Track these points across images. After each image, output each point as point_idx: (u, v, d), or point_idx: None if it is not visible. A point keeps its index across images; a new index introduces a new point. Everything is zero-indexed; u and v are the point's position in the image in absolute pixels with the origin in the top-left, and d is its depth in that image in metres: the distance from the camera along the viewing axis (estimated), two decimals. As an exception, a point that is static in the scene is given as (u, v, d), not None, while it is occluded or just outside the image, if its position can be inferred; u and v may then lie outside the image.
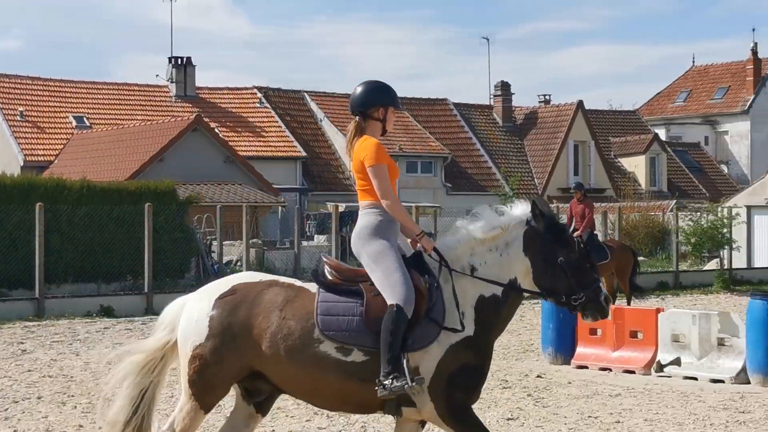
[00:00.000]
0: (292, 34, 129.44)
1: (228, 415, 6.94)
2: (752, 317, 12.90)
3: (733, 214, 31.87)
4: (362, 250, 6.59)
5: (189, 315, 6.54)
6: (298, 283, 6.70)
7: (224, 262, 26.55)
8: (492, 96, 55.25)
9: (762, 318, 12.67)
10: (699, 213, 33.12)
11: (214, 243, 26.70)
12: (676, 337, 13.89)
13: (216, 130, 40.87)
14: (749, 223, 34.95)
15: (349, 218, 32.19)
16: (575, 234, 19.53)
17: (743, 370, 13.04)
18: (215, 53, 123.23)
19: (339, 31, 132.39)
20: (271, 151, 44.12)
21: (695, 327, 13.61)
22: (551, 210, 6.76)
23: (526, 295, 6.75)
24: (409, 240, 6.83)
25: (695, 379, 13.27)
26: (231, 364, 6.38)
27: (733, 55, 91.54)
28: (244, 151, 41.40)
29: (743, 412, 11.03)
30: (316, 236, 33.31)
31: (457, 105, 53.03)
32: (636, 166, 51.40)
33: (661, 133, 57.37)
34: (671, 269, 30.73)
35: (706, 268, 32.64)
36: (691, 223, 31.25)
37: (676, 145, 56.98)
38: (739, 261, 33.22)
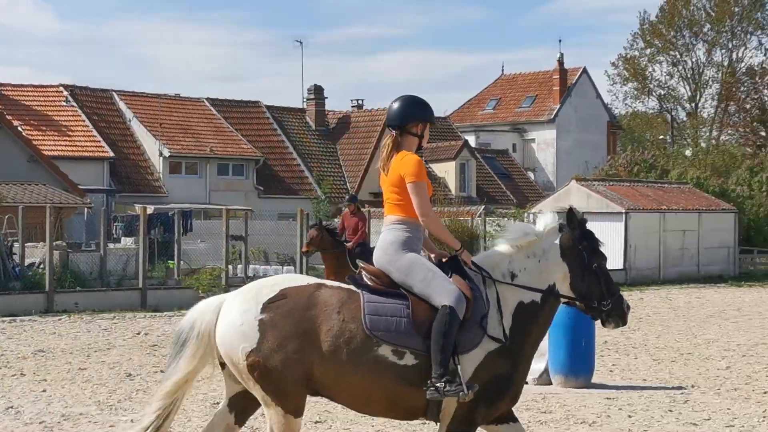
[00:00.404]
0: (101, 32, 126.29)
1: (209, 422, 6.76)
2: (554, 319, 13.24)
3: (538, 219, 32.89)
4: (391, 267, 6.53)
5: (230, 322, 6.31)
6: (344, 285, 6.55)
7: (26, 264, 25.56)
8: (305, 100, 55.24)
9: (563, 320, 13.00)
10: (506, 218, 33.97)
11: (16, 245, 25.68)
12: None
13: (19, 128, 39.39)
14: (553, 228, 36.08)
15: (157, 220, 31.52)
16: (348, 246, 19.80)
17: (545, 371, 13.38)
18: (19, 49, 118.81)
19: (149, 30, 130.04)
20: (78, 150, 42.81)
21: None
22: (584, 217, 6.92)
23: (563, 300, 6.86)
24: (433, 255, 6.80)
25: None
26: (294, 368, 6.19)
27: (541, 64, 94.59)
28: (49, 150, 40.07)
29: (545, 413, 11.29)
30: (123, 238, 32.43)
31: (270, 108, 52.78)
32: (446, 171, 52.35)
33: (471, 140, 58.64)
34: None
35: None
36: (498, 228, 32.03)
37: (485, 152, 58.35)
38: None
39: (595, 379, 13.44)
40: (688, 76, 71.25)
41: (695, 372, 14.58)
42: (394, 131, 6.72)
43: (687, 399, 12.28)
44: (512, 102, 65.83)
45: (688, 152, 62.15)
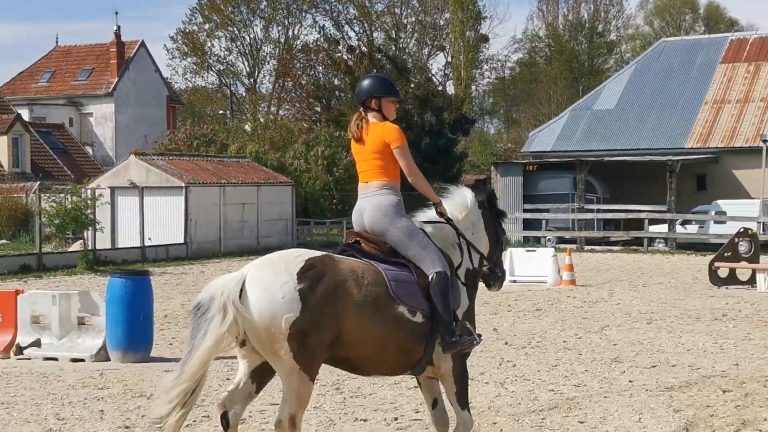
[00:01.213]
0: None
1: (230, 388, 6.94)
2: (112, 295, 12.95)
3: (97, 195, 32.09)
4: (391, 227, 7.13)
5: (271, 295, 6.54)
6: (348, 257, 7.09)
7: None
8: None
9: (121, 295, 12.75)
10: (63, 194, 32.74)
11: None
12: (36, 319, 13.53)
13: None
14: (113, 204, 35.43)
15: None
16: None
17: (103, 347, 13.04)
18: None
19: None
20: None
21: (55, 307, 13.34)
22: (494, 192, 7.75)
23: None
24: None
25: (56, 359, 13.00)
26: (329, 330, 6.63)
27: (98, 37, 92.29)
28: None
29: (102, 389, 10.97)
30: None
31: None
32: (-2, 147, 49.56)
33: (25, 114, 55.95)
34: (35, 251, 30.07)
35: (70, 249, 32.45)
36: (54, 204, 30.81)
37: (40, 126, 55.93)
38: (103, 242, 33.52)
39: (154, 353, 13.28)
40: (247, 51, 72.71)
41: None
42: (361, 104, 7.41)
43: (245, 366, 12.43)
44: (68, 75, 63.64)
45: (247, 127, 63.47)
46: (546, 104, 75.79)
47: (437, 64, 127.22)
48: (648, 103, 50.54)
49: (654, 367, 12.19)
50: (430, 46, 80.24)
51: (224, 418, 6.90)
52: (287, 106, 71.14)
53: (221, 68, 73.35)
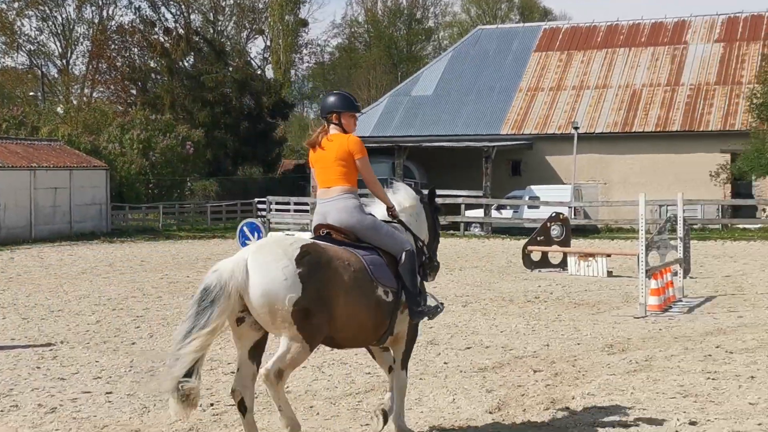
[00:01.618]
0: None
1: (236, 375, 7.36)
2: None
3: None
4: (357, 225, 7.87)
5: (273, 277, 7.04)
6: (331, 244, 7.67)
7: None
8: None
9: None
10: None
11: None
12: None
13: None
14: None
15: None
16: None
17: None
18: None
19: None
20: None
21: None
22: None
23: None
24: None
25: None
26: (328, 309, 7.23)
27: None
28: None
29: None
30: None
31: None
32: None
33: None
34: None
35: None
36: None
37: None
38: None
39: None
40: (59, 32, 70.37)
41: (65, 328, 14.39)
42: (324, 118, 8.11)
43: (56, 355, 12.06)
44: None
45: (59, 109, 61.48)
46: (365, 89, 76.36)
47: (256, 47, 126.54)
48: (465, 89, 51.54)
49: (468, 348, 12.42)
50: (249, 30, 79.61)
51: (242, 405, 7.34)
52: (101, 89, 69.24)
53: (32, 48, 70.75)
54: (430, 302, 8.17)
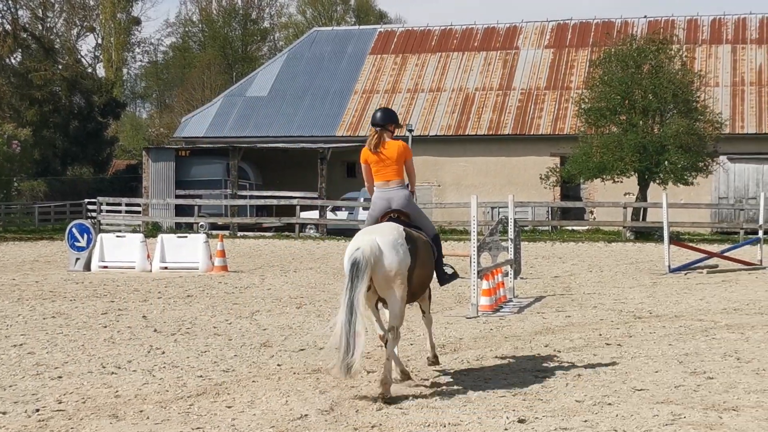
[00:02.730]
0: None
1: (377, 325, 9.80)
2: None
3: None
4: (413, 209, 10.49)
5: (397, 252, 9.54)
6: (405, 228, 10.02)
7: None
8: None
9: None
10: None
11: None
12: None
13: None
14: None
15: None
16: None
17: None
18: None
19: None
20: None
21: None
22: None
23: None
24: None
25: None
26: (417, 271, 9.85)
27: None
28: None
29: None
30: None
31: None
32: None
33: None
34: None
35: None
36: None
37: None
38: None
39: None
40: None
41: None
42: (377, 128, 10.45)
43: None
44: None
45: None
46: (199, 90, 75.40)
47: (87, 45, 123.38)
48: (300, 91, 51.49)
49: (302, 350, 12.33)
50: (80, 27, 77.51)
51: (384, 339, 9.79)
52: None
53: None
54: (448, 270, 10.74)
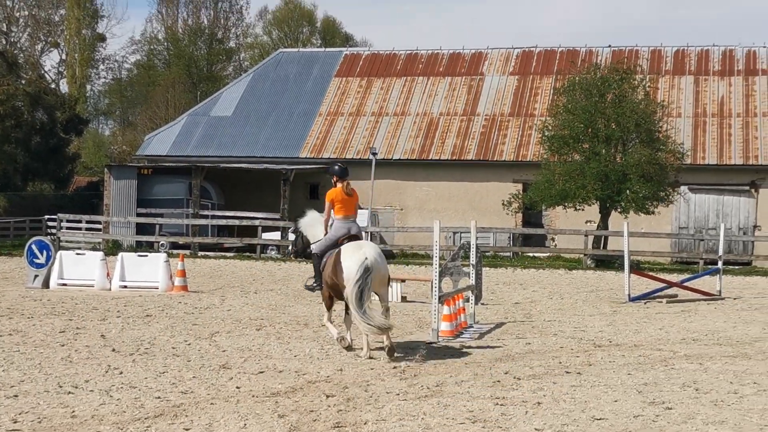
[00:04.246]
0: None
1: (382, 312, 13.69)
2: None
3: None
4: (362, 233, 14.94)
5: (384, 261, 13.81)
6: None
7: None
8: None
9: None
10: None
11: None
12: None
13: None
14: None
15: None
16: None
17: None
18: None
19: None
20: None
21: None
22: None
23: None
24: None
25: None
26: None
27: None
28: None
29: None
30: None
31: None
32: None
33: None
34: None
35: None
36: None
37: None
38: None
39: None
40: None
41: None
42: (343, 178, 14.63)
43: None
44: None
45: None
46: (163, 108, 75.09)
47: (51, 61, 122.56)
48: (265, 111, 51.44)
49: (261, 373, 12.25)
50: (44, 42, 77.04)
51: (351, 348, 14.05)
52: None
53: None
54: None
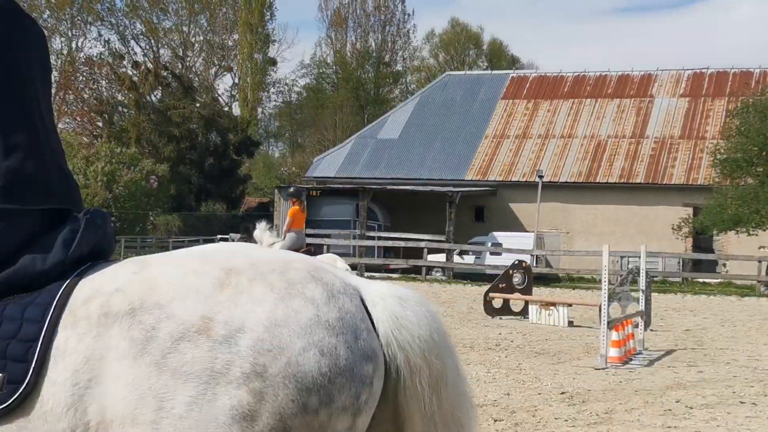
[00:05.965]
0: None
1: None
2: None
3: None
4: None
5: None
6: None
7: None
8: None
9: None
10: None
11: None
12: None
13: None
14: None
15: None
16: None
17: None
18: None
19: None
20: None
21: None
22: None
23: None
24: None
25: None
26: None
27: None
28: None
29: None
30: None
31: None
32: None
33: None
34: None
35: None
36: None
37: None
38: None
39: None
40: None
41: None
42: (299, 197, 18.40)
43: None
44: None
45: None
46: (331, 130, 76.56)
47: (224, 84, 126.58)
48: (431, 134, 51.78)
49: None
50: (218, 66, 79.68)
51: None
52: (67, 119, 68.96)
53: (-2, 76, 70.33)
54: None
